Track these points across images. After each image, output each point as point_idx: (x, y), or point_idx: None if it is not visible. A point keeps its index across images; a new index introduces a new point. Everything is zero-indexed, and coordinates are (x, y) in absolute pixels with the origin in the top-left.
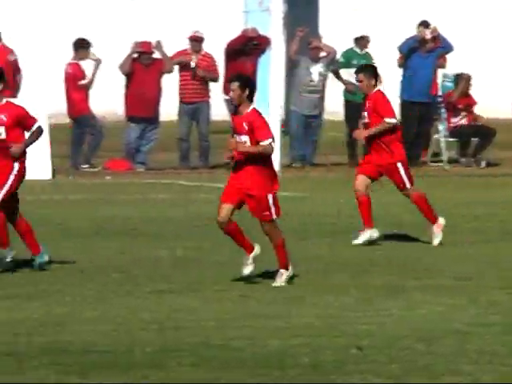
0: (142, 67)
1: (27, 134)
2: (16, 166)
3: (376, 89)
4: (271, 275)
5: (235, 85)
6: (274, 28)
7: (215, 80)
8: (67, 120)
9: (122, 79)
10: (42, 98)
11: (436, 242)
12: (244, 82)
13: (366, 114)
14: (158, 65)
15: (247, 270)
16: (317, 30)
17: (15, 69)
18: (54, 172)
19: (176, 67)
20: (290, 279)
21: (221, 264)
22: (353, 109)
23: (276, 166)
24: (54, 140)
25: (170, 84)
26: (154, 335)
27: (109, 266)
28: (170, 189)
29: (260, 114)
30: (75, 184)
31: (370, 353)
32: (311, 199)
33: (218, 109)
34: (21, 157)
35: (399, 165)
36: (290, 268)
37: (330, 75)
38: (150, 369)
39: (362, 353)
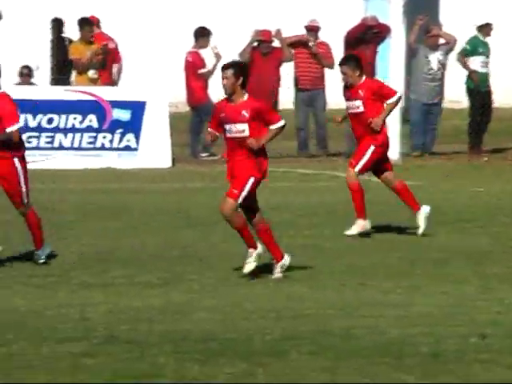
0: (261, 56)
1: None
2: (16, 161)
3: (364, 78)
4: (388, 265)
5: (229, 72)
6: (393, 16)
7: (330, 67)
8: (187, 108)
9: None
10: (160, 86)
11: (420, 231)
12: (238, 69)
13: (357, 103)
14: (277, 53)
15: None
16: (437, 18)
17: (114, 57)
18: (174, 160)
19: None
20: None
21: (339, 252)
22: (477, 97)
23: (395, 154)
24: (175, 129)
25: (288, 72)
26: (273, 323)
27: (228, 254)
28: (289, 177)
29: (258, 99)
30: (195, 172)
31: (491, 342)
32: (431, 188)
33: (334, 96)
34: (19, 151)
35: (371, 147)
36: (259, 248)
37: (450, 63)
38: (269, 357)
39: (484, 341)
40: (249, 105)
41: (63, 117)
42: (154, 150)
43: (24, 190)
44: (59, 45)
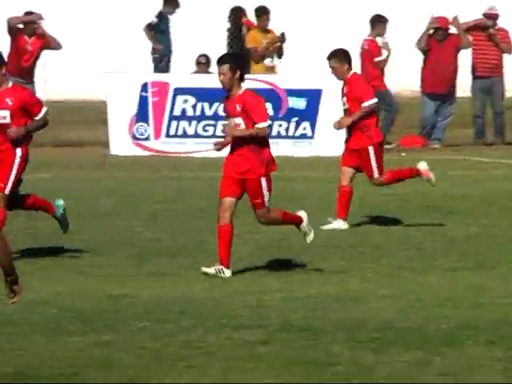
0: (438, 43)
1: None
2: (19, 151)
3: (351, 72)
4: None
5: (225, 68)
6: None
7: (509, 51)
8: None
9: (417, 55)
10: None
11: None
12: (234, 63)
13: (344, 99)
14: (454, 40)
15: None
16: None
17: None
18: None
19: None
20: None
21: None
22: None
23: None
24: None
25: (465, 59)
26: (450, 312)
27: (404, 242)
28: (466, 165)
29: (255, 94)
30: None
31: None
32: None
33: None
34: (24, 141)
35: (370, 149)
36: (303, 216)
37: None
38: (443, 346)
39: None
40: (239, 99)
41: None
42: (329, 138)
43: (12, 179)
44: (236, 34)
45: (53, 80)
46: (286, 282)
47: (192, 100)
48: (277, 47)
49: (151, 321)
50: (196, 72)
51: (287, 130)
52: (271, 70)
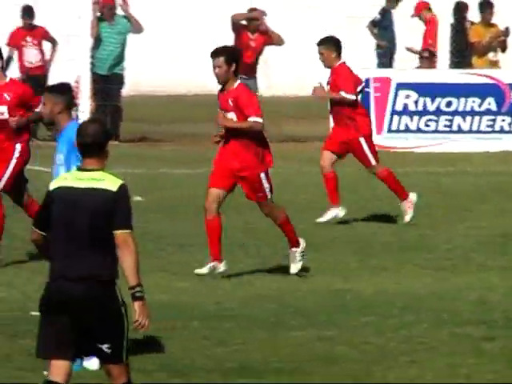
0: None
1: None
2: (18, 147)
3: (339, 62)
4: None
5: (220, 60)
6: None
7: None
8: None
9: None
10: None
11: (407, 218)
12: (230, 55)
13: (327, 88)
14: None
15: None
16: None
17: None
18: None
19: None
20: None
21: None
22: None
23: None
24: None
25: None
26: None
27: None
28: None
29: (247, 89)
30: None
31: None
32: None
33: None
34: (23, 136)
35: (362, 140)
36: (301, 242)
37: None
38: None
39: None
40: (232, 94)
41: (462, 100)
42: None
43: (7, 175)
44: (459, 28)
45: (275, 75)
46: (508, 277)
47: (414, 95)
48: (501, 41)
49: (375, 315)
50: (419, 67)
51: (510, 124)
52: (494, 64)
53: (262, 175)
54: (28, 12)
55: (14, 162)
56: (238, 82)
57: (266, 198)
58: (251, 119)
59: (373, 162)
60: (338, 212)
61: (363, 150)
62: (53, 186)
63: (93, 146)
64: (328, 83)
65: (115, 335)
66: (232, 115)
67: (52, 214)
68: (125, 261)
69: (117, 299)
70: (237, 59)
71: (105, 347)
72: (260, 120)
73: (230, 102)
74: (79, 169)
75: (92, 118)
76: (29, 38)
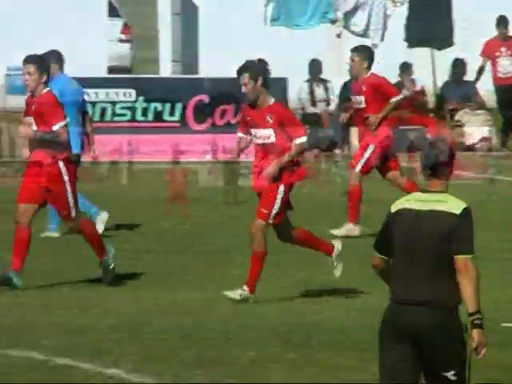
0: None
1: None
2: (61, 165)
3: (370, 72)
4: None
5: (246, 77)
6: None
7: None
8: None
9: None
10: None
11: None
12: (254, 71)
13: (360, 98)
14: None
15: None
16: None
17: None
18: None
19: None
20: None
21: None
22: None
23: None
24: None
25: None
26: None
27: None
28: None
29: (286, 106)
30: None
31: None
32: None
33: None
34: (61, 152)
35: (370, 146)
36: (247, 290)
37: None
38: None
39: None
40: (271, 110)
41: None
42: None
43: (71, 200)
44: None
45: None
46: None
47: None
48: None
49: None
50: None
51: None
52: None
53: (281, 188)
54: (503, 22)
55: (68, 184)
56: (273, 98)
57: (265, 219)
58: (297, 141)
59: (357, 168)
60: (353, 230)
61: (362, 155)
62: (395, 207)
63: (437, 167)
64: (361, 93)
65: (459, 363)
66: (269, 131)
67: (393, 237)
68: (464, 285)
69: (461, 326)
70: (263, 73)
71: (450, 375)
72: (305, 139)
73: (269, 119)
74: (422, 190)
75: (438, 137)
76: (503, 49)
